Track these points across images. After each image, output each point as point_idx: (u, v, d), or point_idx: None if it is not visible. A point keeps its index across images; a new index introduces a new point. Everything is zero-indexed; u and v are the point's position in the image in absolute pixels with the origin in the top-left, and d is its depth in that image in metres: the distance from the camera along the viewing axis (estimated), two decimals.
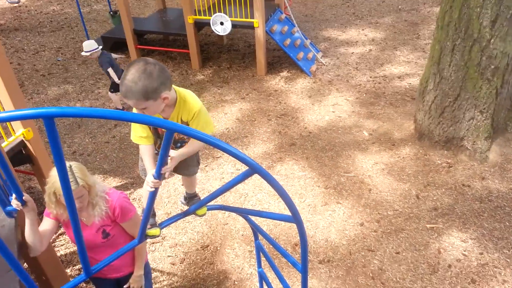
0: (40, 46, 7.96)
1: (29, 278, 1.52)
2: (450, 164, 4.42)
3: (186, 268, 3.58)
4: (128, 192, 4.41)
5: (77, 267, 3.59)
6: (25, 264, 2.87)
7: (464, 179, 4.21)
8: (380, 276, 3.35)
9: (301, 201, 4.12)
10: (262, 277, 2.94)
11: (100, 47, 5.43)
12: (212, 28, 6.25)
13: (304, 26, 8.07)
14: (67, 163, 2.09)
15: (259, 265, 2.95)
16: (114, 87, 5.62)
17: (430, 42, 6.34)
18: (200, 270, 3.55)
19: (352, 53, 7.00)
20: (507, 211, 3.83)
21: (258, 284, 3.28)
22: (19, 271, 1.61)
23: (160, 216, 4.03)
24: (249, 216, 2.85)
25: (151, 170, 1.99)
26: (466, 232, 3.67)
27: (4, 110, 3.15)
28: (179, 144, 2.15)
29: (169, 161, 2.05)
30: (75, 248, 3.76)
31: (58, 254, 3.69)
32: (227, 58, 7.16)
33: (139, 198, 4.31)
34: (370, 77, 6.25)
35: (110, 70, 5.43)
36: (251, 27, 6.23)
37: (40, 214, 2.49)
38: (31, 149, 3.27)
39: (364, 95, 5.83)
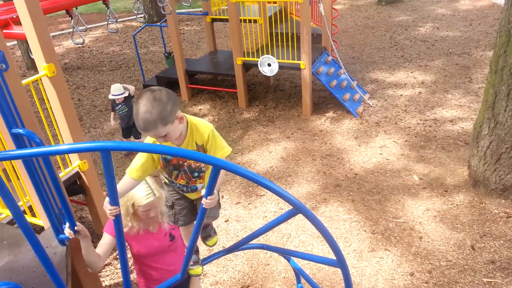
0: (99, 83, 8.50)
1: None
2: (509, 214, 4.12)
3: None
4: None
5: None
6: None
7: None
8: None
9: (346, 246, 3.97)
10: None
11: (127, 92, 5.67)
12: (260, 69, 6.42)
13: (351, 68, 8.10)
14: None
15: None
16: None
17: (483, 86, 6.14)
18: None
19: (401, 95, 6.90)
20: None
21: None
22: None
23: (202, 252, 4.01)
24: (292, 258, 2.77)
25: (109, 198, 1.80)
26: None
27: (63, 142, 3.34)
28: (196, 174, 2.07)
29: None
30: (120, 279, 3.80)
31: (104, 284, 3.74)
32: (273, 98, 7.28)
33: None
34: (420, 120, 6.09)
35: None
36: (297, 68, 6.34)
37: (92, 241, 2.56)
38: (85, 180, 3.42)
39: (414, 138, 5.67)
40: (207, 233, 2.31)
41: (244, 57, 6.67)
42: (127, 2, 15.15)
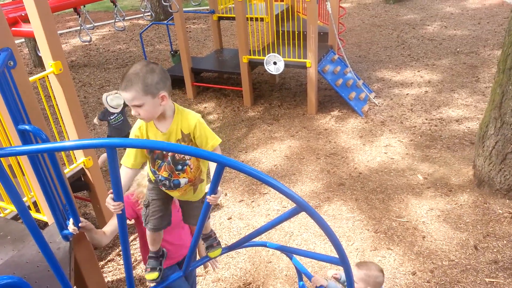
0: (105, 81, 8.56)
1: None
2: None
3: None
4: None
5: None
6: (74, 287, 2.97)
7: None
8: None
9: (349, 244, 3.98)
10: None
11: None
12: (266, 67, 6.43)
13: (357, 67, 8.08)
14: None
15: None
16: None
17: (490, 86, 6.11)
18: None
19: (407, 94, 6.87)
20: None
21: None
22: None
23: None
24: (294, 256, 2.79)
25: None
26: None
27: (69, 139, 3.38)
28: (179, 167, 1.98)
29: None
30: (123, 275, 3.85)
31: (106, 280, 3.78)
32: (279, 96, 7.28)
33: None
34: (426, 119, 6.06)
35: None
36: (303, 67, 6.34)
37: None
38: (90, 177, 3.46)
39: (419, 137, 5.65)
40: (209, 243, 2.29)
41: (250, 55, 6.68)
42: (134, 1, 15.21)
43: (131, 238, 4.13)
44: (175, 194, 2.08)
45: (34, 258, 2.53)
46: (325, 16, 7.58)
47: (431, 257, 3.74)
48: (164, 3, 6.30)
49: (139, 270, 3.87)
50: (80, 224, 2.32)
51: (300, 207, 1.48)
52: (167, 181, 1.99)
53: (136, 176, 2.51)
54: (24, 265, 2.50)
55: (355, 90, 6.68)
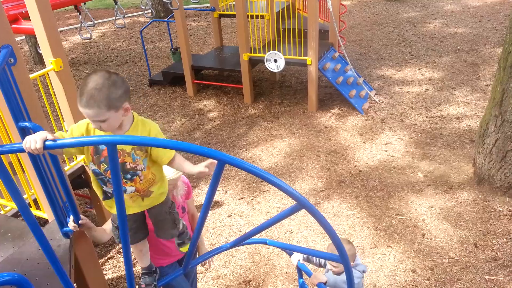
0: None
1: None
2: None
3: None
4: None
5: None
6: (74, 285, 2.98)
7: None
8: None
9: None
10: None
11: None
12: (266, 65, 6.42)
13: (358, 65, 8.07)
14: None
15: None
16: None
17: (491, 84, 6.10)
18: None
19: (408, 92, 6.87)
20: None
21: None
22: None
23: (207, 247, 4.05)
24: (294, 253, 2.79)
25: None
26: None
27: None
28: (129, 176, 1.87)
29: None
30: (123, 272, 3.85)
31: (106, 277, 3.79)
32: (279, 94, 7.28)
33: None
34: (426, 117, 6.06)
35: None
36: (304, 64, 6.33)
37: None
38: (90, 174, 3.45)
39: (420, 135, 5.65)
40: (182, 239, 2.30)
41: (251, 53, 6.67)
42: None
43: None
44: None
45: (34, 255, 2.54)
46: (326, 14, 7.58)
47: (431, 255, 3.75)
48: (165, 1, 6.29)
49: (139, 267, 3.88)
50: (80, 222, 2.32)
51: (300, 204, 1.48)
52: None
53: None
54: (24, 262, 2.50)
55: (356, 87, 6.67)
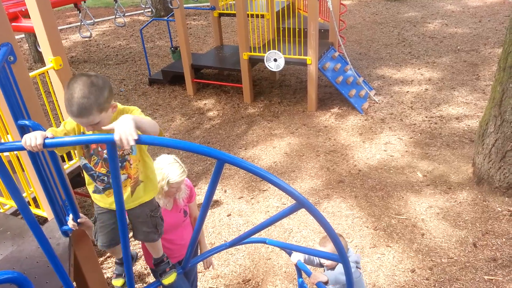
0: (105, 77, 8.55)
1: None
2: None
3: None
4: None
5: None
6: (74, 283, 2.98)
7: None
8: None
9: (348, 241, 3.98)
10: None
11: None
12: (266, 64, 6.42)
13: (358, 64, 8.07)
14: (171, 156, 2.43)
15: None
16: None
17: (491, 84, 6.10)
18: None
19: (407, 92, 6.87)
20: None
21: None
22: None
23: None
24: (293, 252, 2.79)
25: None
26: None
27: None
28: (119, 164, 1.87)
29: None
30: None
31: (105, 276, 3.79)
32: (279, 93, 7.28)
33: None
34: (426, 117, 6.06)
35: None
36: (303, 64, 6.33)
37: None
38: None
39: (419, 135, 5.65)
40: (162, 269, 2.26)
41: (251, 52, 6.67)
42: None
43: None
44: (110, 198, 1.97)
45: (33, 253, 2.53)
46: (326, 13, 7.57)
47: (430, 255, 3.75)
48: None
49: (139, 266, 3.88)
50: (79, 220, 2.32)
51: (300, 203, 1.48)
52: (106, 178, 1.92)
53: None
54: (23, 261, 2.50)
55: (355, 87, 6.67)
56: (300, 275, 2.89)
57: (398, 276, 3.58)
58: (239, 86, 7.11)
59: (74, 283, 2.97)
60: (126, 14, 12.59)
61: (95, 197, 2.03)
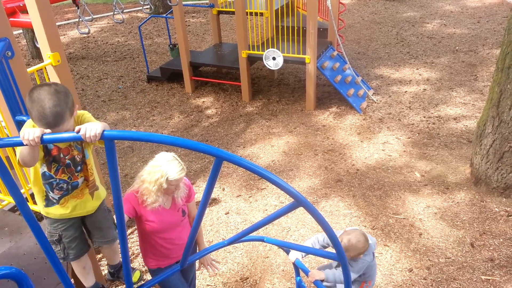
0: (103, 74, 8.52)
1: None
2: (510, 213, 4.12)
3: None
4: None
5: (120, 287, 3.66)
6: (72, 280, 2.96)
7: None
8: None
9: None
10: None
11: None
12: (264, 62, 6.41)
13: (356, 64, 8.07)
14: (170, 153, 2.41)
15: None
16: None
17: (489, 84, 6.12)
18: None
19: (405, 92, 6.88)
20: None
21: None
22: (68, 285, 1.66)
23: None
24: (291, 251, 2.79)
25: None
26: None
27: None
28: (79, 168, 1.96)
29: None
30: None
31: (104, 272, 3.78)
32: (277, 92, 7.27)
33: None
34: (424, 117, 6.07)
35: None
36: (302, 62, 6.33)
37: None
38: None
39: (417, 135, 5.66)
40: (122, 275, 2.30)
41: (249, 50, 6.65)
42: None
43: (129, 231, 4.13)
44: (70, 203, 2.01)
45: (31, 249, 2.53)
46: (325, 12, 7.57)
47: (428, 254, 3.76)
48: None
49: (137, 263, 3.87)
50: None
51: (298, 202, 1.47)
52: (65, 184, 1.95)
53: (140, 172, 2.50)
54: (21, 257, 2.49)
55: (354, 86, 6.68)
56: (297, 274, 2.89)
57: (396, 276, 3.59)
58: (238, 84, 7.10)
59: (72, 280, 2.96)
60: (124, 11, 12.54)
61: (50, 212, 2.05)
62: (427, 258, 3.72)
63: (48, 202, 2.01)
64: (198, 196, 4.69)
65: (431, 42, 8.93)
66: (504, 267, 3.56)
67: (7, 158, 2.98)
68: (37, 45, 3.08)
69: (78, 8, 4.94)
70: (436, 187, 4.61)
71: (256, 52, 6.60)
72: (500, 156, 4.25)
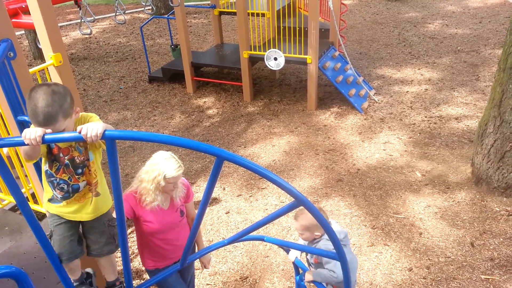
0: (105, 74, 8.55)
1: None
2: (510, 213, 4.12)
3: None
4: None
5: None
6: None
7: None
8: None
9: None
10: None
11: None
12: (266, 63, 6.42)
13: (358, 64, 8.07)
14: (167, 152, 2.42)
15: None
16: None
17: (491, 85, 6.11)
18: None
19: (407, 91, 6.87)
20: None
21: None
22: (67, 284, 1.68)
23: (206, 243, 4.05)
24: (291, 250, 2.80)
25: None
26: None
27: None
28: (79, 170, 1.94)
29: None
30: (120, 267, 3.86)
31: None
32: (278, 92, 7.28)
33: None
34: (425, 117, 6.07)
35: None
36: (304, 63, 6.33)
37: None
38: None
39: (418, 134, 5.66)
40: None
41: (251, 50, 6.67)
42: None
43: (129, 230, 4.15)
44: (72, 206, 1.98)
45: (31, 249, 2.54)
46: (327, 13, 7.57)
47: (428, 254, 3.76)
48: None
49: (137, 262, 3.89)
50: None
51: (298, 201, 1.48)
52: (65, 185, 1.93)
53: (138, 172, 2.51)
54: (21, 256, 2.51)
55: (355, 87, 6.68)
56: (297, 273, 2.90)
57: (396, 275, 3.59)
58: (239, 85, 7.11)
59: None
60: (126, 12, 12.58)
61: (51, 207, 2.02)
62: (427, 258, 3.72)
63: (53, 199, 2.00)
64: (199, 195, 4.71)
65: (433, 42, 8.92)
66: (504, 266, 3.56)
67: (8, 157, 3.00)
68: (39, 46, 3.11)
69: (80, 9, 4.97)
70: (436, 186, 4.61)
71: (257, 52, 6.61)
72: (501, 156, 4.25)
